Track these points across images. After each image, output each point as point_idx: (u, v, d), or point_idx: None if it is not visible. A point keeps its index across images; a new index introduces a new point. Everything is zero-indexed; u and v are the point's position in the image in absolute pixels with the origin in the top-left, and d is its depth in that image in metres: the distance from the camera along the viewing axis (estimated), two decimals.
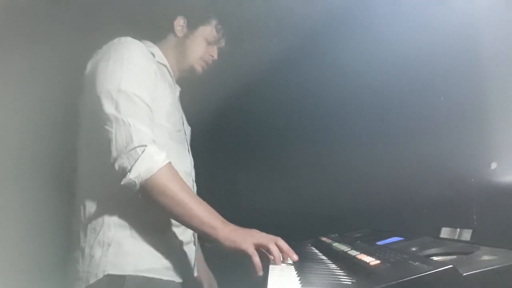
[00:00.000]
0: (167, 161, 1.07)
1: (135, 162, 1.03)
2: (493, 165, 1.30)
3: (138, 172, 1.03)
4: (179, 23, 1.32)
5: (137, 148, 1.04)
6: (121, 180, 1.03)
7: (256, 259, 1.01)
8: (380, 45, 1.61)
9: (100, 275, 1.07)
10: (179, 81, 1.40)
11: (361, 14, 1.64)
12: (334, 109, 1.78)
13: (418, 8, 1.54)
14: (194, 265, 1.29)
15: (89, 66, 1.17)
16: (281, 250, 1.05)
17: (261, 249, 1.04)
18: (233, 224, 1.11)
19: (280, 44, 1.75)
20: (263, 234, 1.07)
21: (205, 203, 1.11)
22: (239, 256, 1.03)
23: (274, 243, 1.05)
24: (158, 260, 1.14)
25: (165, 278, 1.14)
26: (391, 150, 1.59)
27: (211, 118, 1.54)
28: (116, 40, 1.18)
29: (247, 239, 1.03)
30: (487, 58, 1.38)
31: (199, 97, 1.52)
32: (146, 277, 1.10)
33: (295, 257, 1.06)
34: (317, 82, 1.79)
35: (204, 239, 1.33)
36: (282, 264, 1.04)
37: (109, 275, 1.07)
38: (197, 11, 1.32)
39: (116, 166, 1.04)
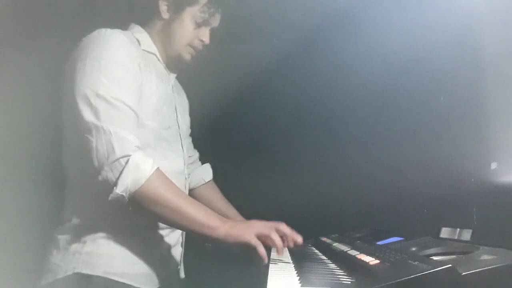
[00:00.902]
0: (155, 168, 1.01)
1: (120, 174, 0.97)
2: (493, 165, 1.30)
3: (124, 186, 0.97)
4: (164, 4, 1.19)
5: (121, 159, 0.97)
6: (107, 195, 0.98)
7: (261, 249, 0.99)
8: (380, 45, 1.61)
9: (70, 272, 1.04)
10: (174, 67, 1.29)
11: (361, 14, 1.64)
12: (334, 109, 1.78)
13: (418, 8, 1.54)
14: (180, 267, 1.27)
15: (67, 64, 1.09)
16: (283, 235, 1.05)
17: (263, 238, 1.02)
18: (232, 220, 1.09)
19: (280, 44, 1.75)
20: (263, 223, 1.05)
21: (200, 204, 1.07)
22: (244, 251, 1.02)
23: (276, 230, 1.03)
24: (134, 265, 1.10)
25: (136, 285, 1.10)
26: (391, 150, 1.59)
27: (209, 119, 1.54)
28: (95, 33, 1.09)
29: (248, 231, 1.01)
30: (487, 58, 1.37)
31: (198, 97, 1.52)
32: (115, 281, 1.06)
33: (300, 240, 1.05)
34: (317, 82, 1.79)
35: (205, 240, 1.33)
36: (280, 264, 1.04)
37: (78, 274, 1.04)
38: None
39: (100, 178, 0.98)
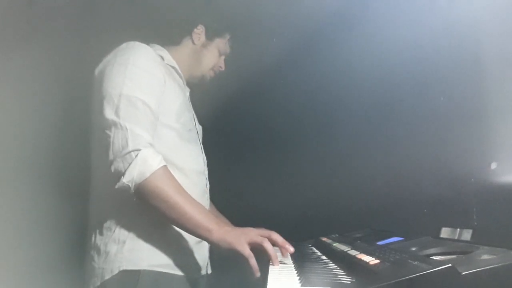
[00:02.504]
0: (161, 164, 1.07)
1: (129, 165, 1.04)
2: (493, 165, 1.30)
3: (131, 176, 1.04)
4: (199, 31, 1.35)
5: (132, 152, 1.05)
6: (115, 184, 1.04)
7: (252, 261, 1.01)
8: (380, 46, 1.62)
9: (116, 271, 1.09)
10: (188, 84, 1.42)
11: (361, 15, 1.64)
12: (334, 109, 1.78)
13: (418, 8, 1.54)
14: (208, 262, 1.31)
15: (96, 72, 1.19)
16: (276, 244, 1.06)
17: (257, 247, 1.03)
18: (229, 226, 1.13)
19: (280, 44, 1.76)
20: (257, 232, 1.06)
21: (201, 205, 1.12)
22: (240, 257, 1.03)
23: (268, 238, 1.04)
24: (172, 256, 1.16)
25: (178, 273, 1.16)
26: (391, 150, 1.60)
27: (209, 118, 1.54)
28: (123, 45, 1.20)
29: (241, 239, 1.03)
30: (487, 58, 1.38)
31: (198, 97, 1.52)
32: (160, 272, 1.12)
33: (291, 249, 1.06)
34: (317, 82, 1.79)
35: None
36: (280, 264, 1.04)
37: (124, 271, 1.09)
38: (216, 23, 1.37)
39: (112, 169, 1.06)
